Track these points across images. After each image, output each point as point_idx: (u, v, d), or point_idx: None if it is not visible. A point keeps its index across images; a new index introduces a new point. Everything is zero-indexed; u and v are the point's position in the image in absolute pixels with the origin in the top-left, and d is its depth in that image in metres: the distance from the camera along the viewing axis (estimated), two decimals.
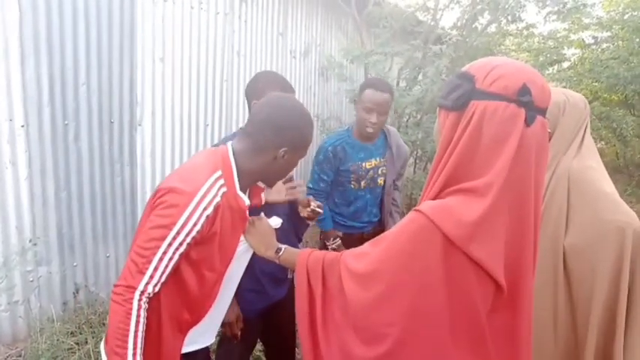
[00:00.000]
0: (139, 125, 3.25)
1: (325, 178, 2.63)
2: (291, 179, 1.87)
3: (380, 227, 2.82)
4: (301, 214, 2.03)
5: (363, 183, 2.67)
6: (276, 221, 1.61)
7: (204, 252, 1.34)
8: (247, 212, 1.46)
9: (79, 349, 2.62)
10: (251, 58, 4.18)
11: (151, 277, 1.24)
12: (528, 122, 0.99)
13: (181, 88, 3.50)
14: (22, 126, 2.60)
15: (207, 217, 1.27)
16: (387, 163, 2.75)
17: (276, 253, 1.46)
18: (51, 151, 2.76)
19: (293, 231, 2.12)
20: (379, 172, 2.71)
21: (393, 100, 2.59)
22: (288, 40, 4.65)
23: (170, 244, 1.24)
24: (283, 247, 1.47)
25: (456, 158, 1.03)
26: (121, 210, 3.22)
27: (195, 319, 1.43)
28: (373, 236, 2.99)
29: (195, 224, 1.25)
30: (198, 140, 3.73)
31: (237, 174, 1.39)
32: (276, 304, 2.04)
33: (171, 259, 1.25)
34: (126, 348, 1.21)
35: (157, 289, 1.26)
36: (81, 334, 2.77)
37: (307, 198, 2.09)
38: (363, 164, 2.65)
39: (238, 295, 1.80)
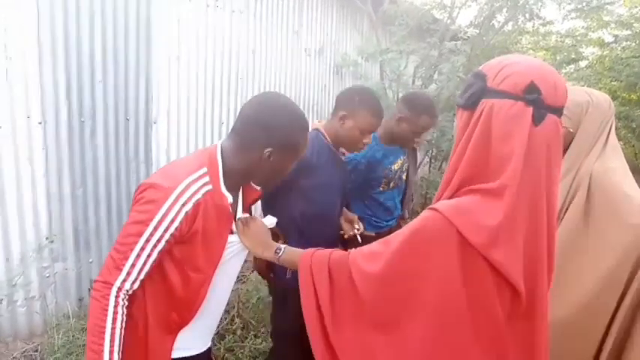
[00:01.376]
0: (155, 123, 3.25)
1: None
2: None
3: (401, 219, 2.91)
4: (343, 228, 2.07)
5: (392, 184, 2.68)
6: (270, 220, 1.55)
7: (187, 251, 1.30)
8: (231, 210, 1.40)
9: None
10: (266, 56, 4.18)
11: (128, 273, 1.21)
12: (536, 121, 0.97)
13: (196, 86, 3.51)
14: (40, 123, 2.62)
15: (187, 213, 1.23)
16: (410, 158, 2.80)
17: (275, 254, 1.40)
18: (67, 148, 2.78)
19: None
20: (403, 168, 2.75)
21: None
22: (303, 38, 4.63)
23: (147, 241, 1.20)
24: (283, 246, 1.42)
25: (469, 156, 1.01)
26: None
27: (184, 320, 1.38)
28: (398, 229, 3.01)
29: (172, 221, 1.21)
30: (213, 138, 3.73)
31: (223, 172, 1.34)
32: None
33: (149, 256, 1.22)
34: (102, 345, 1.17)
35: (135, 286, 1.23)
36: None
37: (354, 216, 2.06)
38: (393, 167, 2.66)
39: None
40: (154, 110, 3.23)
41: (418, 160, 5.41)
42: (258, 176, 1.43)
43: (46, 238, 2.73)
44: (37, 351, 2.65)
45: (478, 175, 1.00)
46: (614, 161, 1.54)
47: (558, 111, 1.01)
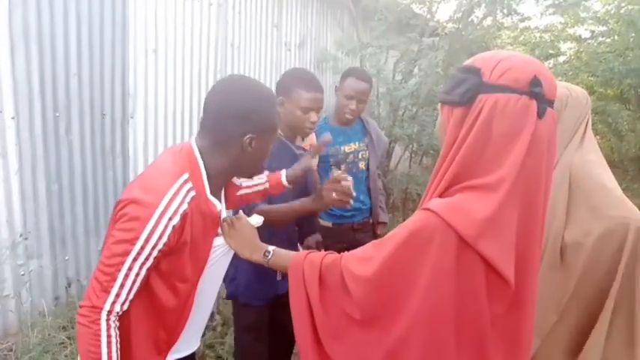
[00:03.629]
0: (131, 118, 3.20)
1: None
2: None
3: (370, 217, 2.85)
4: (333, 196, 1.79)
5: (343, 167, 2.67)
6: (256, 219, 1.50)
7: (175, 263, 1.24)
8: (220, 217, 1.35)
9: (70, 344, 2.59)
10: (245, 50, 4.14)
11: (117, 295, 1.14)
12: (540, 115, 0.98)
13: (174, 81, 3.46)
14: (13, 118, 2.56)
15: (174, 227, 1.17)
16: (368, 148, 2.78)
17: (264, 257, 1.35)
18: (42, 143, 2.72)
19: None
20: (359, 156, 2.75)
21: (372, 89, 2.73)
22: (282, 32, 4.60)
23: (135, 259, 1.14)
24: (272, 249, 1.36)
25: (464, 154, 1.00)
26: (112, 203, 3.14)
27: (172, 337, 1.33)
28: (363, 226, 2.98)
29: (160, 236, 1.15)
30: (191, 133, 3.68)
31: (207, 175, 1.28)
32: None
33: (137, 274, 1.15)
34: None
35: (125, 307, 1.17)
36: (72, 328, 2.74)
37: (313, 242, 2.03)
38: (342, 148, 2.67)
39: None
40: (130, 105, 3.17)
41: (398, 155, 5.45)
42: (244, 168, 1.37)
43: (21, 235, 2.68)
44: (11, 350, 2.60)
45: (469, 170, 1.00)
46: (592, 154, 1.56)
47: (553, 104, 1.02)
